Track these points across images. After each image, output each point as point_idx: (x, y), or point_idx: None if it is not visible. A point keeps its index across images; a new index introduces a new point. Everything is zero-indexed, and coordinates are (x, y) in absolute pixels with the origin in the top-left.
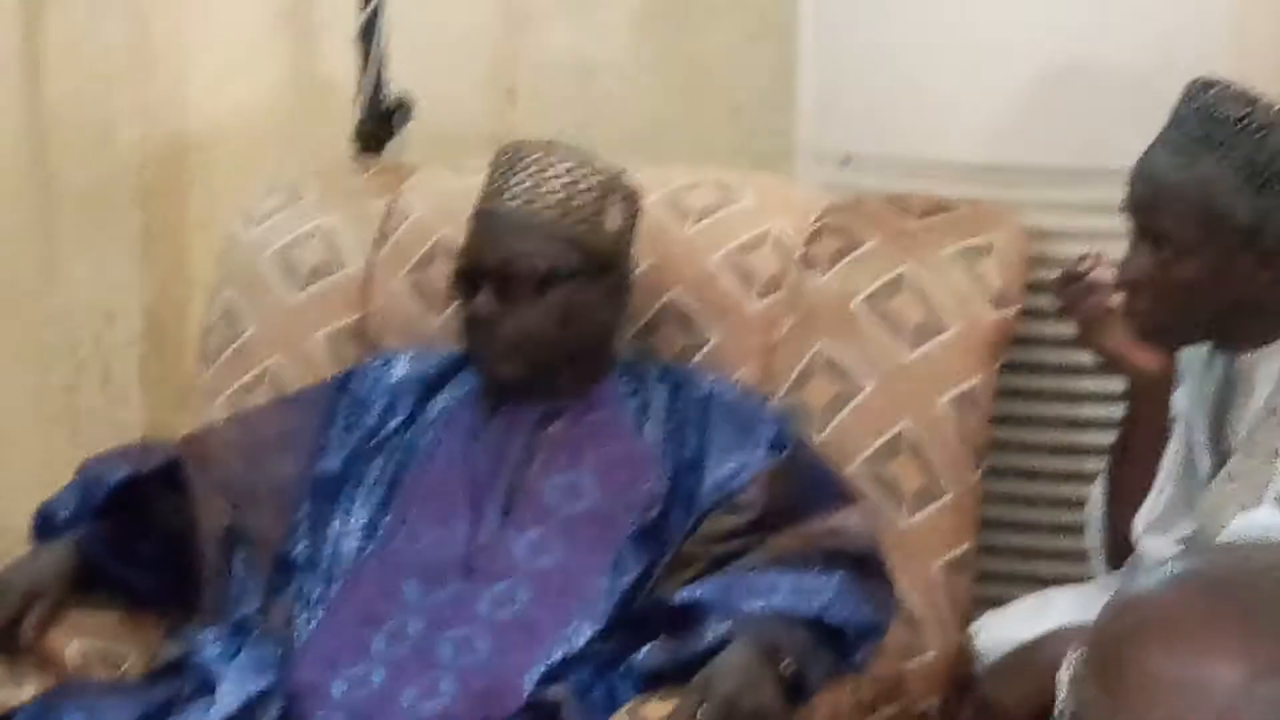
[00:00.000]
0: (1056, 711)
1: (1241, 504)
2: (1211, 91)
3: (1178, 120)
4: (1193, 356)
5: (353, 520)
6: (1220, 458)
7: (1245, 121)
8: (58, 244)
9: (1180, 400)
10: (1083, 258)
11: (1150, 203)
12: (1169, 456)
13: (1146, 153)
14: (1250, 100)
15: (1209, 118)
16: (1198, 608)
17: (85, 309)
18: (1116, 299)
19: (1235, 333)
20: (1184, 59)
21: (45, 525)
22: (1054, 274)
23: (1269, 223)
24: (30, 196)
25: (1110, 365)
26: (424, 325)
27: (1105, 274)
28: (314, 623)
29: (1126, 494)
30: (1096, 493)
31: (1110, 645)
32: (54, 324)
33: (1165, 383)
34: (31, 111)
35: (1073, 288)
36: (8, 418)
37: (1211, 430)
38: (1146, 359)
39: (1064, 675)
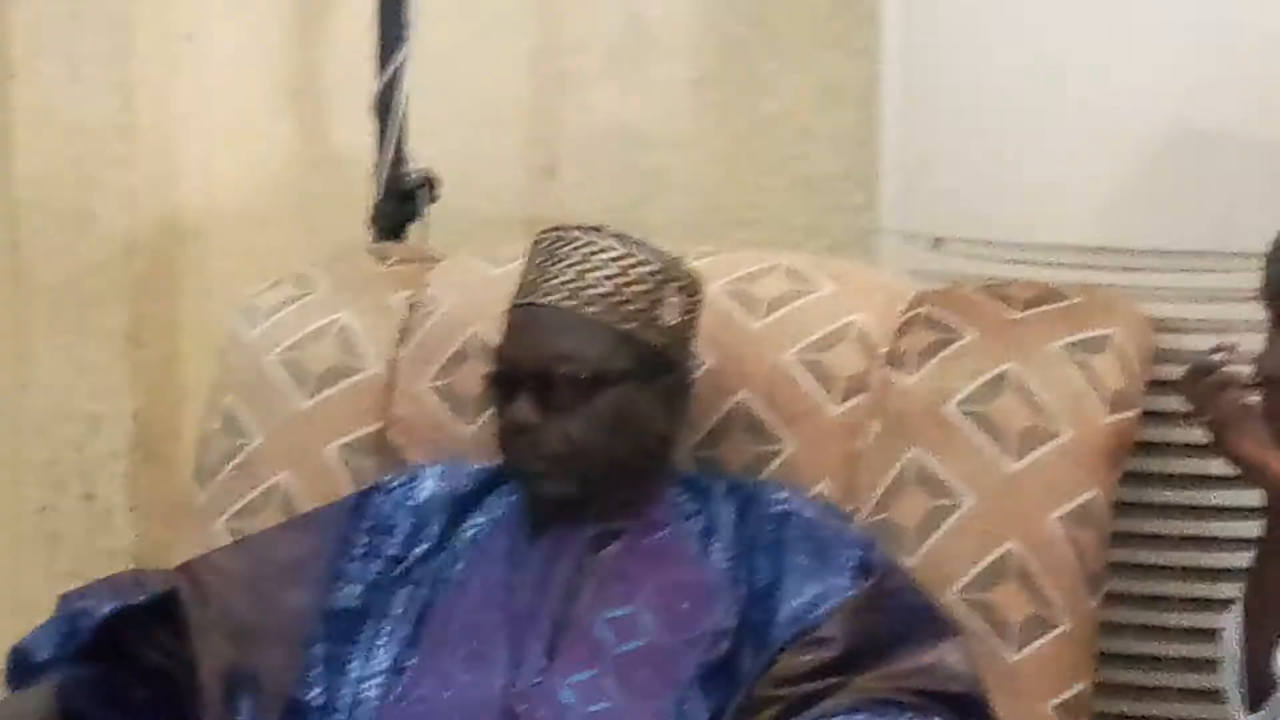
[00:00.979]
0: None
1: None
2: None
3: None
4: None
5: (375, 661)
6: None
7: None
8: (33, 343)
9: None
10: (1214, 349)
11: None
12: None
13: None
14: None
15: None
16: None
17: (65, 416)
18: (1254, 397)
19: None
20: None
21: (20, 668)
22: (1179, 370)
23: None
24: (2, 287)
25: (1247, 474)
26: (454, 435)
27: (1240, 368)
28: None
29: (1266, 624)
30: (1231, 623)
31: None
32: (29, 433)
33: None
34: (2, 191)
35: (1203, 384)
36: None
37: None
38: None
39: None
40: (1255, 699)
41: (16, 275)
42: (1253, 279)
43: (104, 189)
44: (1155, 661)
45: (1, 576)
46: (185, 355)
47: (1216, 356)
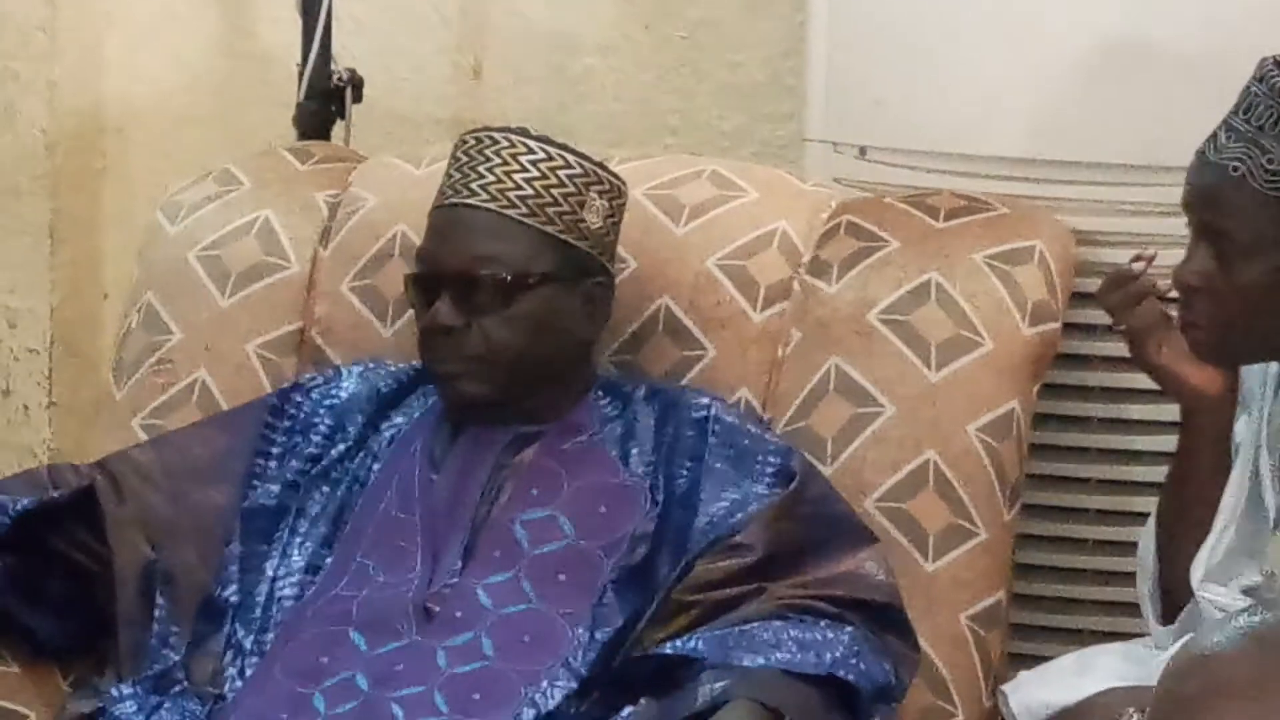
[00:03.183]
0: None
1: None
2: None
3: (1245, 104)
4: (1258, 379)
5: (291, 560)
6: None
7: None
8: None
9: (1243, 429)
10: (1134, 259)
11: (1211, 196)
12: (1230, 493)
13: (1208, 140)
14: None
15: None
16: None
17: None
18: (1172, 310)
19: None
20: (1249, 40)
21: None
22: (1101, 282)
23: None
24: None
25: (1163, 385)
26: (375, 336)
27: (1159, 279)
28: (245, 677)
29: (1181, 536)
30: (1147, 535)
31: (1179, 709)
32: None
33: (1225, 407)
34: None
35: (1121, 293)
36: None
37: (1279, 464)
38: (1204, 377)
39: None
40: (1169, 611)
41: None
42: (1175, 193)
43: (24, 83)
44: (1071, 574)
45: None
46: (105, 251)
47: (1135, 266)
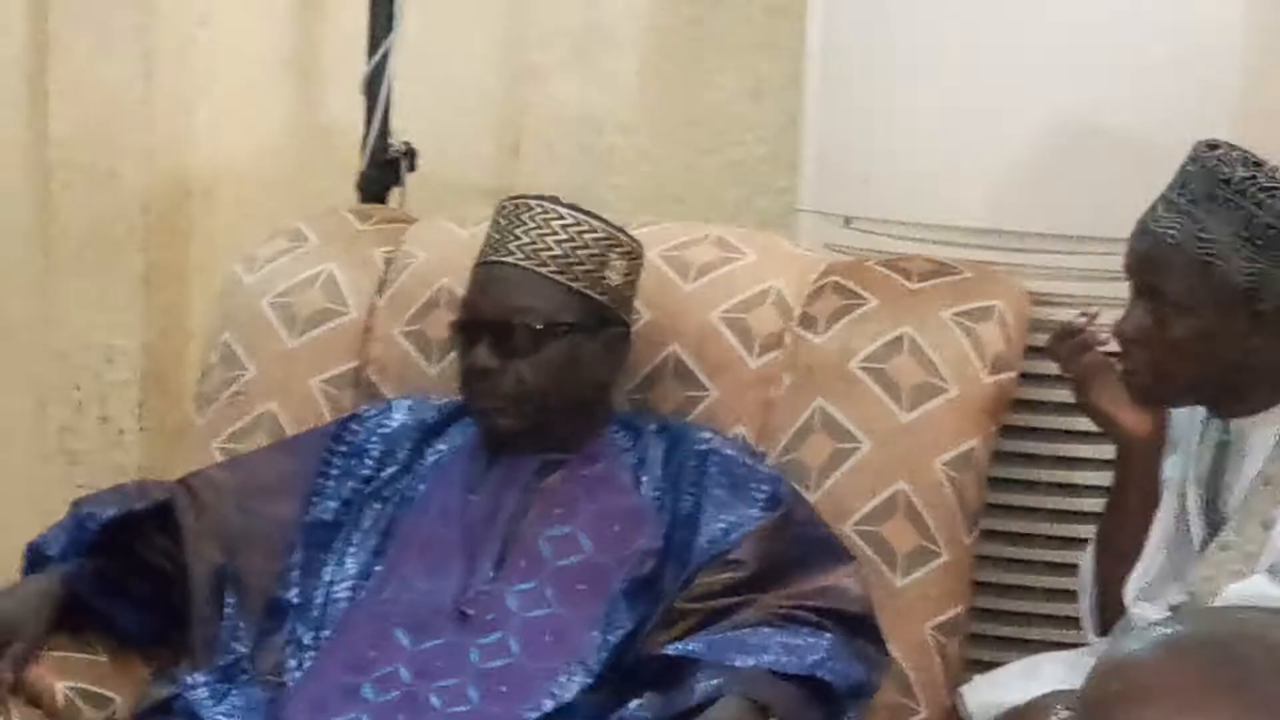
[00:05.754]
0: None
1: (1234, 573)
2: (1216, 152)
3: (1182, 179)
4: (1186, 423)
5: (345, 567)
6: (1213, 526)
7: (1248, 183)
8: (60, 282)
9: (1172, 467)
10: (1080, 314)
11: (1149, 259)
12: (1160, 523)
13: (1149, 210)
14: (1255, 163)
15: (1213, 177)
16: (1189, 673)
17: (85, 348)
18: (1113, 360)
19: (1228, 397)
20: (1188, 125)
21: (35, 561)
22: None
23: (1265, 286)
24: (34, 234)
25: (1102, 426)
26: (422, 374)
27: (1101, 332)
28: (304, 668)
29: (1116, 559)
30: (1087, 558)
31: (1098, 709)
32: (54, 361)
33: (1155, 445)
34: (36, 150)
35: (1068, 345)
36: (4, 454)
37: (1204, 498)
38: (1136, 420)
39: None
40: (1105, 625)
41: (48, 223)
42: (1118, 261)
43: (125, 150)
44: (1024, 591)
45: (26, 487)
46: (191, 297)
47: (1080, 321)
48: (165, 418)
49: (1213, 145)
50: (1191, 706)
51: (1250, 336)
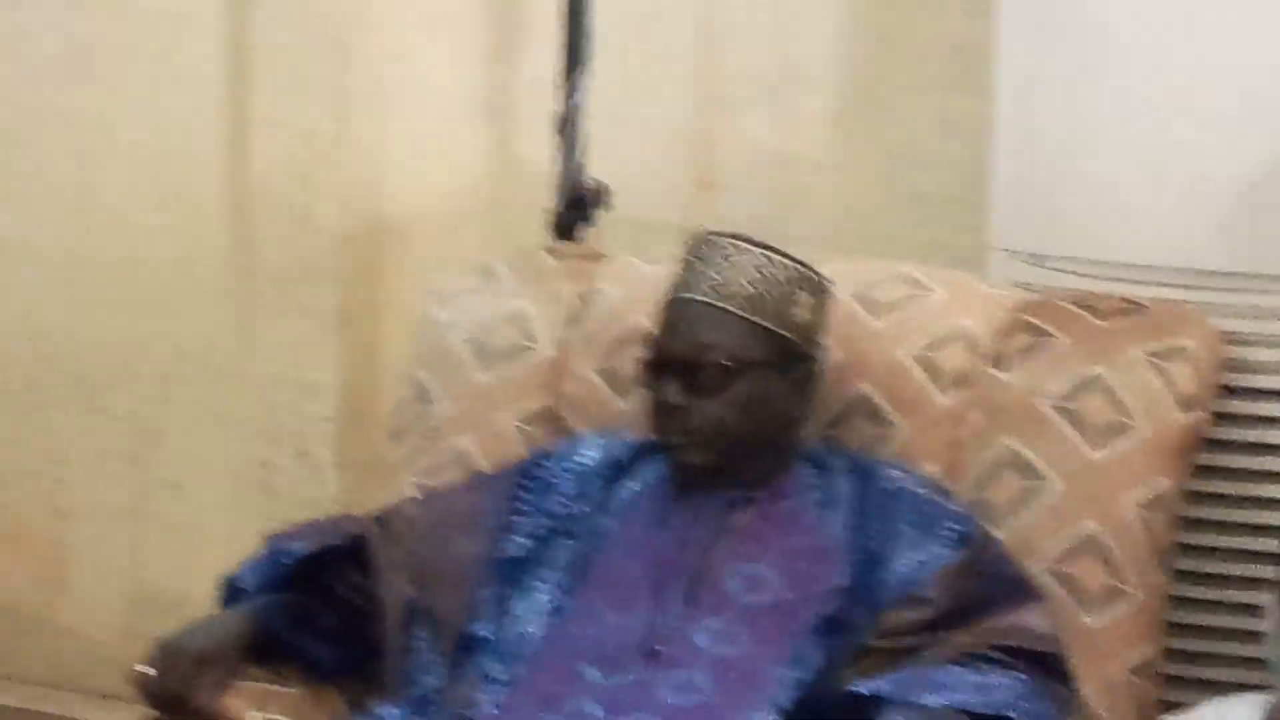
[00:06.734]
0: None
1: None
2: None
3: None
4: None
5: (535, 603)
6: None
7: None
8: (258, 318)
9: None
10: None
11: None
12: None
13: None
14: None
15: None
16: None
17: (283, 384)
18: None
19: None
20: None
21: (230, 595)
22: (1247, 379)
23: None
24: (233, 271)
25: None
26: (613, 410)
27: None
28: (496, 702)
29: None
30: (1272, 601)
31: None
32: (252, 397)
33: None
34: (236, 189)
35: None
36: (203, 489)
37: None
38: None
39: None
40: None
41: (247, 261)
42: None
43: (321, 189)
44: (1216, 632)
45: (225, 521)
46: (386, 333)
47: None
48: (360, 452)
49: None
50: None
51: None
